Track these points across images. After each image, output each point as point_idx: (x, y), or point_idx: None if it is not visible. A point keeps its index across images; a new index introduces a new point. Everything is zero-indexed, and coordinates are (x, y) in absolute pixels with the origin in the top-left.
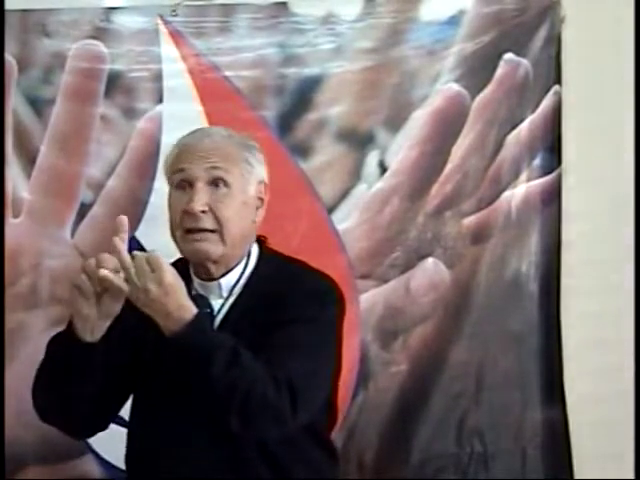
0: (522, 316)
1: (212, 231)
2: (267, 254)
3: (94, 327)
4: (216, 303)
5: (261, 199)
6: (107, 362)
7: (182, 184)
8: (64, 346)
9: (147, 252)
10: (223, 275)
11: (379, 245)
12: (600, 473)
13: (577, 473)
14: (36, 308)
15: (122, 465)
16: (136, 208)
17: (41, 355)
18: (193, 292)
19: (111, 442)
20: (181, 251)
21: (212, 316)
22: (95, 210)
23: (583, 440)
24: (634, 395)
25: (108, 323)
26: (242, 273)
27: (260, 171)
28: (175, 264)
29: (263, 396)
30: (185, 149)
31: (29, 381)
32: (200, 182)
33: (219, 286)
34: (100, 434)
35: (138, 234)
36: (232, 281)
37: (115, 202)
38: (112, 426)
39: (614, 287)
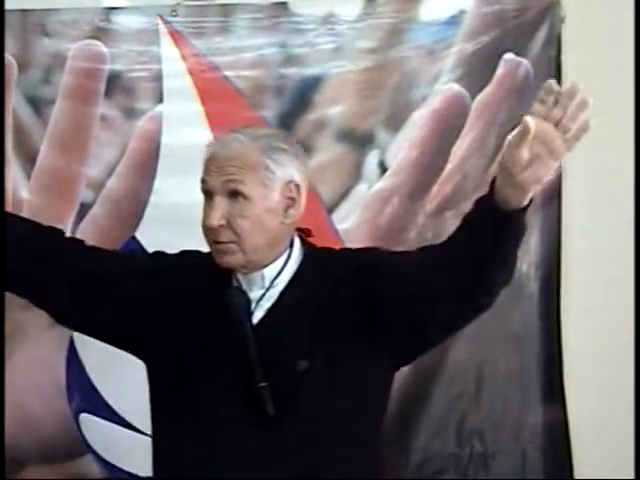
0: (522, 316)
1: (232, 242)
2: (310, 247)
3: None
4: (256, 293)
5: (292, 199)
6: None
7: (207, 195)
8: None
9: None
10: (260, 268)
11: (379, 245)
12: (600, 473)
13: (577, 473)
14: (36, 308)
15: (122, 465)
16: (136, 208)
17: (40, 355)
18: (235, 283)
19: (111, 442)
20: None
21: (249, 304)
22: (95, 210)
23: (583, 440)
24: (634, 394)
25: None
26: (285, 264)
27: (286, 173)
28: None
29: None
30: (208, 160)
31: (29, 381)
32: (218, 195)
33: (262, 277)
34: (100, 434)
35: (138, 234)
36: (275, 272)
37: (115, 202)
38: (112, 426)
39: (614, 287)
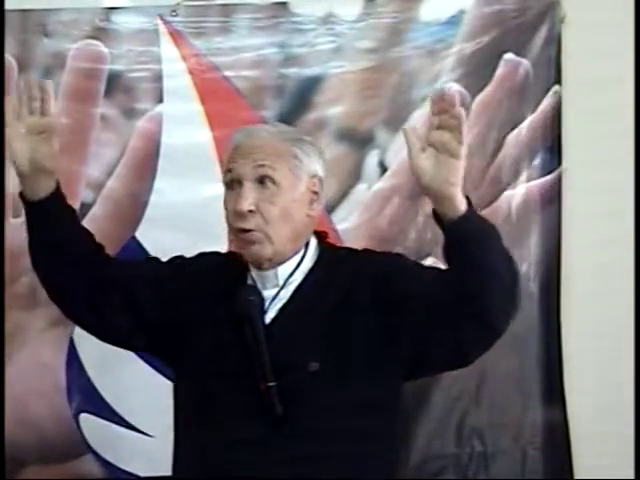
0: (522, 316)
1: (260, 231)
2: (327, 247)
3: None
4: (270, 292)
5: (315, 192)
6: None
7: (232, 184)
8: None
9: None
10: (279, 264)
11: (379, 245)
12: (600, 473)
13: (577, 473)
14: (36, 308)
15: (122, 465)
16: (136, 208)
17: (40, 355)
18: (250, 281)
19: (111, 442)
20: (236, 250)
21: (262, 302)
22: (95, 210)
23: (583, 440)
24: (634, 394)
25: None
26: (300, 262)
27: (312, 165)
28: (231, 253)
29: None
30: (234, 150)
31: (29, 381)
32: (248, 181)
33: (275, 275)
34: (100, 434)
35: (138, 234)
36: (288, 270)
37: (115, 202)
38: (112, 426)
39: (614, 287)
